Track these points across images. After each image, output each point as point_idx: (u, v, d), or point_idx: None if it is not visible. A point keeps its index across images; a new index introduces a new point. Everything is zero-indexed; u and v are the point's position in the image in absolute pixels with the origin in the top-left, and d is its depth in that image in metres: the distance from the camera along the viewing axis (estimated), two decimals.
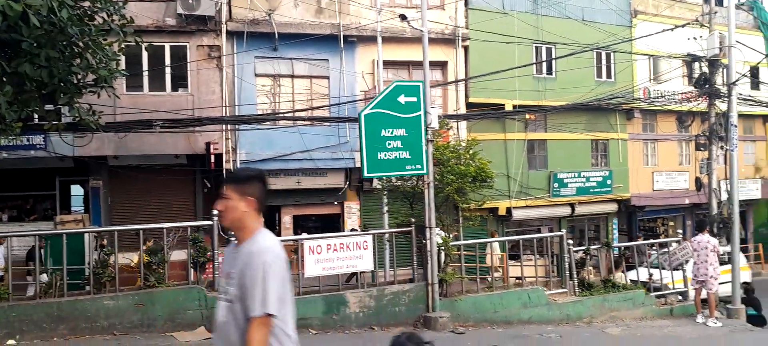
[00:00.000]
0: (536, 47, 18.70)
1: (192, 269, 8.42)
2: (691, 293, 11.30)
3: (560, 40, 17.87)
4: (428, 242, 9.17)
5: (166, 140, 13.77)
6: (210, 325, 7.80)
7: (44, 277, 8.52)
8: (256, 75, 15.16)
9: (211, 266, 8.39)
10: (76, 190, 15.19)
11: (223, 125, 14.23)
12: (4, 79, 6.80)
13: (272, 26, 14.80)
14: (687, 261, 11.40)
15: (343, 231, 14.52)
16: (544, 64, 19.02)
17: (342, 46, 15.55)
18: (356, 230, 14.09)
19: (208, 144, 13.95)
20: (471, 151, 11.96)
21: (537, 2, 18.61)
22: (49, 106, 8.36)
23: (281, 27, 14.90)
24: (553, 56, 18.76)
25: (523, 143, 18.71)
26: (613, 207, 20.61)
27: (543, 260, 14.14)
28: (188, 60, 14.33)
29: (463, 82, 17.10)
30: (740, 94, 15.16)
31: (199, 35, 14.45)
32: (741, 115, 17.49)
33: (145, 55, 13.67)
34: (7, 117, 6.78)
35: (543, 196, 18.90)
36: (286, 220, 15.68)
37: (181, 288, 8.10)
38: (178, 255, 9.47)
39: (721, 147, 15.68)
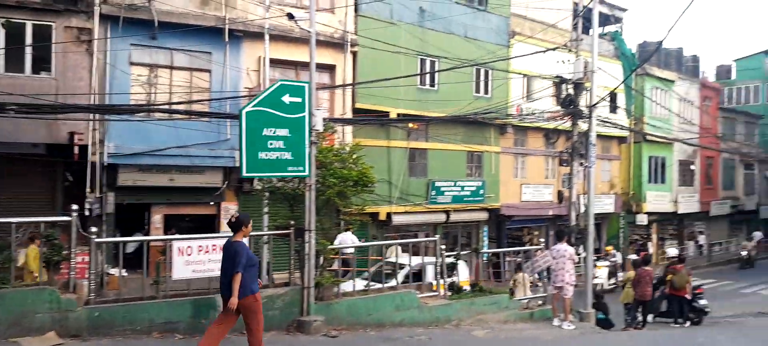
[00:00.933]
0: (421, 59, 19.31)
1: (44, 269, 7.71)
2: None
3: (443, 54, 18.62)
4: (307, 245, 9.10)
5: (23, 127, 12.54)
6: (62, 329, 7.19)
7: None
8: (131, 63, 14.28)
9: (67, 266, 7.72)
10: None
11: (90, 115, 13.22)
12: None
13: (152, 13, 14.02)
14: (547, 267, 12.30)
15: (219, 232, 13.99)
16: (428, 76, 19.69)
17: (227, 40, 15.08)
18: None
19: (71, 134, 12.90)
20: (354, 156, 12.03)
21: (423, 15, 19.24)
22: None
23: (162, 15, 14.16)
24: (437, 69, 19.47)
25: (405, 151, 19.22)
26: (484, 215, 21.79)
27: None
28: (53, 41, 13.18)
29: (350, 87, 17.23)
30: (600, 116, 16.62)
31: (67, 15, 13.35)
32: (600, 136, 19.18)
33: (1, 31, 12.42)
34: None
35: (421, 202, 19.54)
36: (157, 219, 14.85)
37: (29, 289, 7.37)
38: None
39: (581, 164, 17.08)
